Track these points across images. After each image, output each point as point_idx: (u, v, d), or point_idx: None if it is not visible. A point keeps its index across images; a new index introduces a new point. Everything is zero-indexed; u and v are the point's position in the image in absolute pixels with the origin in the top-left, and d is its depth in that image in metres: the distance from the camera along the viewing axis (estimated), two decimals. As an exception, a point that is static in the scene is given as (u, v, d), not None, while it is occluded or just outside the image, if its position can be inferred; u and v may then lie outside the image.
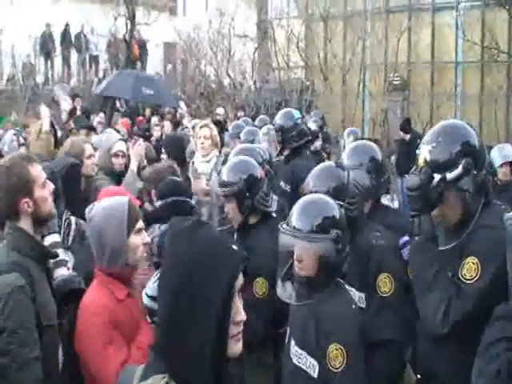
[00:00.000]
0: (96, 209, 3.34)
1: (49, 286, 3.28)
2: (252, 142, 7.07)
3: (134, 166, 5.94)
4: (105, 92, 13.96)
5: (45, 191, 3.30)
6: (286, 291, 3.41)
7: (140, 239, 3.31)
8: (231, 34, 22.58)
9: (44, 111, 6.98)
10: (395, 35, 19.88)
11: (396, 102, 20.16)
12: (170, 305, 1.82)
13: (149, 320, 3.32)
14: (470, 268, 2.95)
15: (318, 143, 9.98)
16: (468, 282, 2.96)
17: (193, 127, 9.40)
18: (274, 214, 4.40)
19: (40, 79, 23.36)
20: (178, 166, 6.55)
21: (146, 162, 6.71)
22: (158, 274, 3.27)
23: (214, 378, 1.80)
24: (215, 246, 1.85)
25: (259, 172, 4.30)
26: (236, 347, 1.85)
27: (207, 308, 1.76)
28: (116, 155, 5.93)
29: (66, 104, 9.41)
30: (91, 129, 8.91)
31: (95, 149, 6.00)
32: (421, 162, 3.14)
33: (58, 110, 8.73)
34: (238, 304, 1.85)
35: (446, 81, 19.72)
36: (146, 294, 3.12)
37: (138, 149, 6.16)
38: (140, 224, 3.35)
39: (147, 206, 4.88)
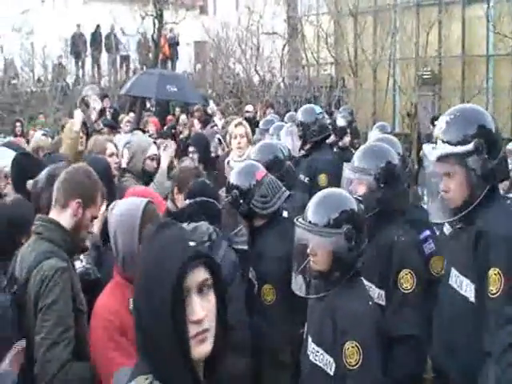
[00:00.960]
0: (114, 210, 3.33)
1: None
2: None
3: (164, 166, 6.14)
4: (129, 92, 13.96)
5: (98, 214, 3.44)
6: (299, 284, 3.41)
7: None
8: (260, 31, 22.50)
9: (78, 114, 7.08)
10: (425, 29, 19.66)
11: (427, 96, 19.95)
12: (136, 306, 1.85)
13: None
14: (495, 281, 2.91)
15: (347, 139, 9.87)
16: (494, 295, 2.90)
17: (225, 124, 9.40)
18: (286, 213, 4.33)
19: (70, 80, 23.54)
20: (203, 165, 6.81)
21: (176, 162, 6.80)
22: None
23: (191, 378, 1.78)
24: (169, 244, 1.84)
25: (254, 178, 4.25)
26: (199, 349, 1.78)
27: (163, 307, 1.75)
28: (151, 159, 6.03)
29: (96, 103, 9.44)
30: (113, 127, 8.97)
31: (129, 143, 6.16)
32: (437, 131, 3.16)
33: (87, 110, 8.78)
34: (195, 302, 1.79)
35: (477, 74, 19.45)
36: None
37: (168, 151, 6.40)
38: None
39: (169, 204, 4.93)
